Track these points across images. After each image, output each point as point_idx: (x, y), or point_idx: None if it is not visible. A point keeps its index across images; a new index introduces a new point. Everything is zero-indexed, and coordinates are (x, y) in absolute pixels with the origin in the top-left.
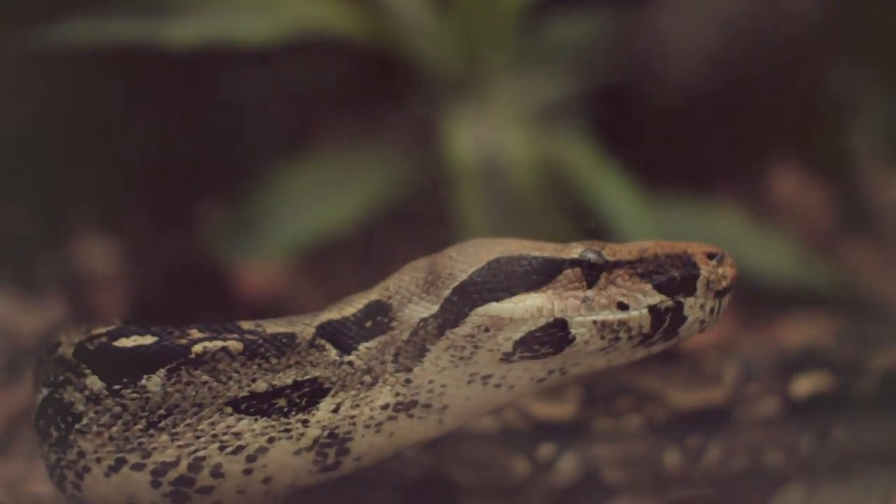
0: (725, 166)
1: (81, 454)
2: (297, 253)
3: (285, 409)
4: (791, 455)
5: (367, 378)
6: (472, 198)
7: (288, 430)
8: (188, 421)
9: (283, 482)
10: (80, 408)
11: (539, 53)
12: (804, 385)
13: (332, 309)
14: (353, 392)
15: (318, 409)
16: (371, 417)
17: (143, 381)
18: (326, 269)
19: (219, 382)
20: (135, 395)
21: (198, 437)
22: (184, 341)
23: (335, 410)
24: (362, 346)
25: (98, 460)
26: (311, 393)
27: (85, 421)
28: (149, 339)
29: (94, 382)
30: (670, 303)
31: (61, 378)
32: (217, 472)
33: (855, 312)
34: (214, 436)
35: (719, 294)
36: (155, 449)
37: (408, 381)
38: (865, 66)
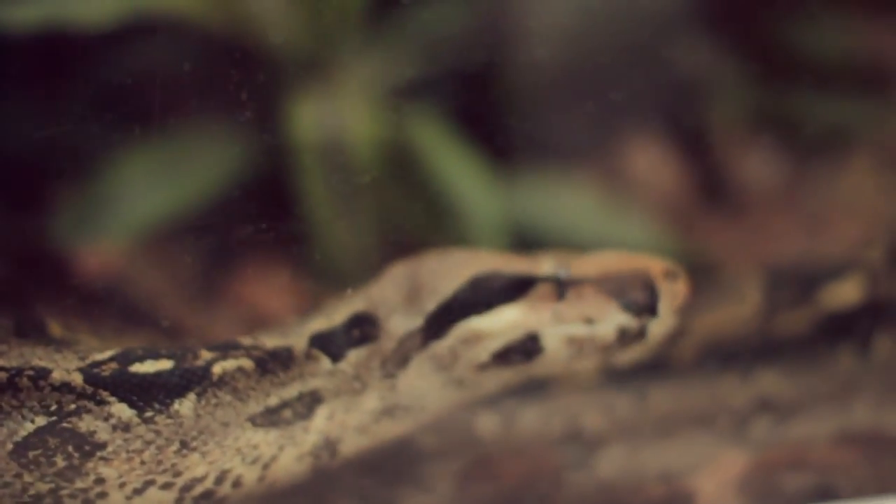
0: (582, 144)
1: (100, 481)
2: (140, 235)
3: (290, 419)
4: (609, 418)
5: (357, 385)
6: (315, 177)
7: (293, 438)
8: (217, 439)
9: (282, 484)
10: (105, 437)
11: (392, 35)
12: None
13: (320, 318)
14: (345, 399)
15: (315, 416)
16: (359, 421)
17: (176, 407)
18: (169, 251)
19: (240, 402)
20: (169, 420)
21: (224, 453)
22: (201, 363)
23: (330, 417)
24: (351, 354)
25: (121, 485)
26: (311, 402)
27: (111, 448)
28: (166, 363)
29: (123, 411)
30: (636, 324)
31: (72, 407)
32: (237, 483)
33: (704, 285)
34: (238, 449)
35: (676, 311)
36: (187, 468)
37: (393, 387)
38: (721, 41)
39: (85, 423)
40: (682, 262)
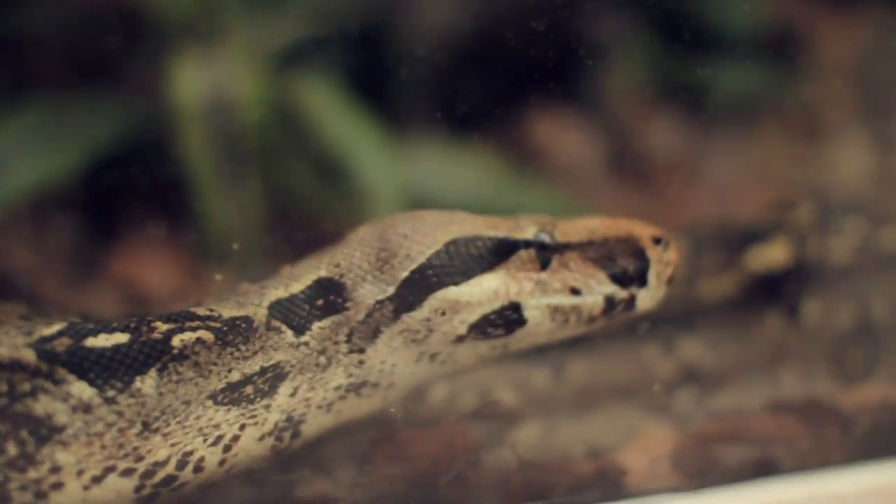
0: (484, 112)
1: (55, 469)
2: (12, 206)
3: (252, 396)
4: (525, 393)
5: (322, 359)
6: (199, 144)
7: (254, 417)
8: (178, 418)
9: (242, 468)
10: (64, 419)
11: None
12: None
13: (278, 285)
14: (309, 375)
15: (278, 393)
16: (324, 398)
17: (138, 384)
18: (43, 223)
19: (202, 377)
20: (130, 399)
21: (186, 434)
22: (158, 336)
23: (293, 394)
24: (315, 326)
25: (80, 473)
26: (273, 378)
27: (70, 432)
28: (122, 337)
29: (83, 390)
30: (625, 294)
31: (27, 387)
32: (199, 467)
33: None
34: (199, 430)
35: (667, 282)
36: (149, 451)
37: (361, 362)
38: (625, 8)
39: (42, 405)
40: None
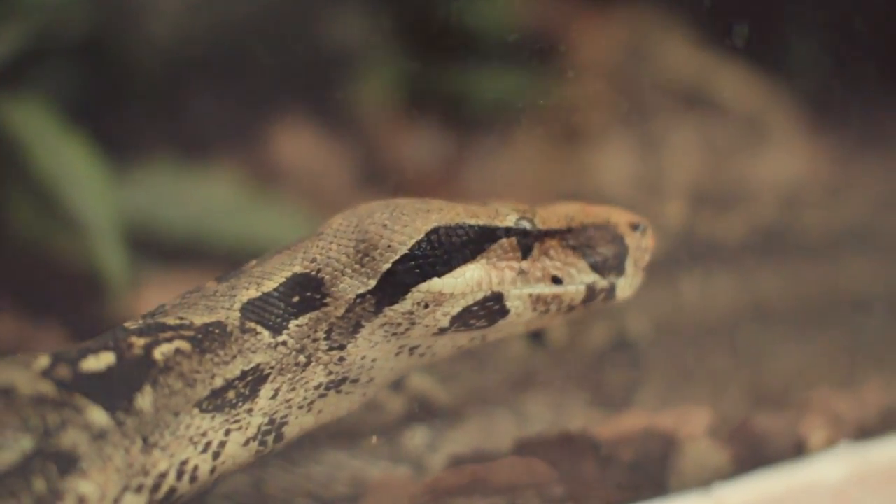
0: (222, 129)
1: (82, 500)
2: None
3: (234, 401)
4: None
5: (301, 358)
6: None
7: (238, 422)
8: (171, 429)
9: (227, 473)
10: (84, 449)
11: None
12: None
13: (248, 284)
14: (289, 375)
15: (259, 396)
16: (305, 398)
17: (139, 402)
18: None
19: (189, 387)
20: (133, 417)
21: (179, 444)
22: (139, 351)
23: (274, 396)
24: (292, 324)
25: (101, 498)
26: (254, 381)
27: (86, 462)
28: (109, 356)
29: (98, 415)
30: (605, 284)
31: (58, 421)
32: (194, 476)
33: None
34: (190, 438)
35: (644, 269)
36: (153, 465)
37: (341, 359)
38: (373, 15)
39: (69, 437)
40: None
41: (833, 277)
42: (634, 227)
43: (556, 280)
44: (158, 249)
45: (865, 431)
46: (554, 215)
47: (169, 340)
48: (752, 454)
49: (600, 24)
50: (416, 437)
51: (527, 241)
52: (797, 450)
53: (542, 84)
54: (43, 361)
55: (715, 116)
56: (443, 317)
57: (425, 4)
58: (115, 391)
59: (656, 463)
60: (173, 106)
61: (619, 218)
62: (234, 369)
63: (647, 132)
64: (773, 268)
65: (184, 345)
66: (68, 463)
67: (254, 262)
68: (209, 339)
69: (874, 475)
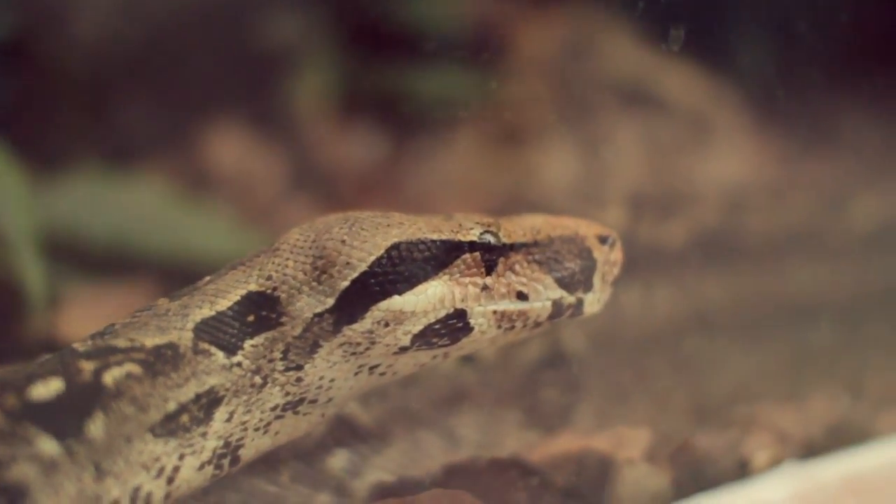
0: (151, 133)
1: None
2: None
3: (188, 425)
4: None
5: (257, 379)
6: None
7: (192, 446)
8: (123, 455)
9: (182, 498)
10: (34, 480)
11: None
12: None
13: (201, 303)
14: (244, 397)
15: (213, 419)
16: (261, 420)
17: (89, 429)
18: None
19: (142, 412)
20: (83, 445)
21: (132, 469)
22: (88, 376)
23: (229, 419)
24: (247, 345)
25: None
26: (208, 404)
27: (37, 493)
28: (58, 382)
29: (49, 446)
30: (572, 300)
31: (7, 454)
32: (147, 502)
33: None
34: (143, 464)
35: (612, 283)
36: (107, 492)
37: (298, 379)
38: (309, 15)
39: (20, 469)
40: None
41: (778, 284)
42: (603, 239)
43: (522, 296)
44: (83, 261)
45: (811, 448)
46: (519, 228)
47: (119, 364)
48: (693, 476)
49: (543, 22)
50: (338, 462)
51: (491, 256)
52: (740, 470)
53: (482, 83)
54: None
55: (659, 116)
56: (404, 335)
57: (363, 2)
58: (65, 419)
59: (593, 488)
60: (99, 110)
61: (587, 230)
62: (188, 392)
63: (589, 132)
64: (715, 275)
65: (135, 368)
66: (18, 496)
67: (208, 278)
68: (161, 361)
69: (819, 495)
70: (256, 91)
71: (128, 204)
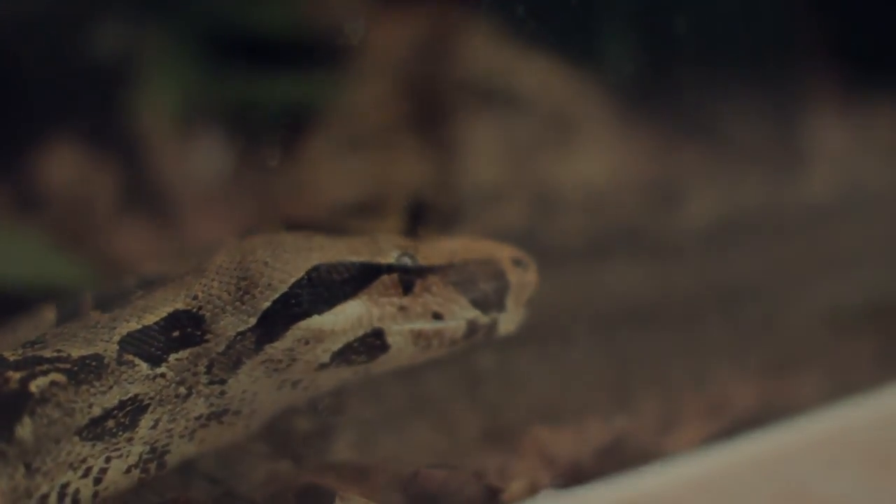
0: None
1: None
2: None
3: (114, 430)
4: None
5: (182, 390)
6: None
7: (118, 450)
8: (52, 455)
9: (113, 498)
10: None
11: None
12: None
13: (130, 317)
14: (169, 406)
15: (139, 426)
16: (186, 428)
17: (18, 432)
18: None
19: (68, 416)
20: (14, 447)
21: (59, 468)
22: (15, 385)
23: (154, 426)
24: (172, 358)
25: None
26: (134, 411)
27: None
28: None
29: None
30: (487, 320)
31: None
32: (76, 499)
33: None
34: (70, 464)
35: (525, 304)
36: (37, 489)
37: (222, 392)
38: (144, 25)
39: None
40: (79, 280)
41: (597, 287)
42: (517, 262)
43: (438, 316)
44: None
45: (580, 474)
46: (437, 251)
47: (45, 373)
48: None
49: (395, 23)
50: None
51: (408, 278)
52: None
53: (335, 88)
54: None
55: (517, 113)
56: (323, 353)
57: (208, 8)
58: None
59: None
60: None
61: (502, 253)
62: (112, 399)
63: (445, 133)
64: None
65: (59, 377)
66: None
67: (140, 292)
68: (85, 371)
69: None
70: (93, 105)
71: None
